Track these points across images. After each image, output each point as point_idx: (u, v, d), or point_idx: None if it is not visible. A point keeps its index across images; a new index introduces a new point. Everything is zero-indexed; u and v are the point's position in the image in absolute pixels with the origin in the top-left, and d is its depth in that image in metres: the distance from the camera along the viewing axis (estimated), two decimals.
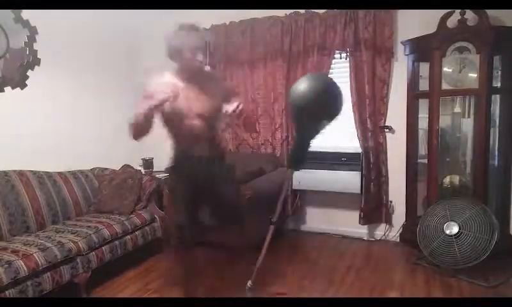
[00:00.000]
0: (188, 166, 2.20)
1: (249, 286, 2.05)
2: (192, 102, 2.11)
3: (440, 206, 3.01)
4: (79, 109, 3.66)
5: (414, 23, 3.38)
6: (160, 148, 3.82)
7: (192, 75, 2.15)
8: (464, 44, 3.02)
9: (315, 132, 1.48)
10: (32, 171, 3.05)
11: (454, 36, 3.06)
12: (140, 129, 2.07)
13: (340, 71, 3.74)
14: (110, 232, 2.90)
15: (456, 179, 3.32)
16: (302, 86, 1.42)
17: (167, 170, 2.36)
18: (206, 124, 2.17)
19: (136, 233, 3.16)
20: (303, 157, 1.62)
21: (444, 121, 3.28)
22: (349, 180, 3.61)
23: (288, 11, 3.79)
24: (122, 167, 3.63)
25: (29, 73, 3.19)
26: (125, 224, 3.07)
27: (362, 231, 3.80)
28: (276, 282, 2.86)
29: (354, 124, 3.64)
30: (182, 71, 2.14)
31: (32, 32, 3.19)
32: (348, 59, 3.61)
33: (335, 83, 1.57)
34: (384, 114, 3.62)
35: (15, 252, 2.33)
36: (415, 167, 3.52)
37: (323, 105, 1.40)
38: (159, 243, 3.44)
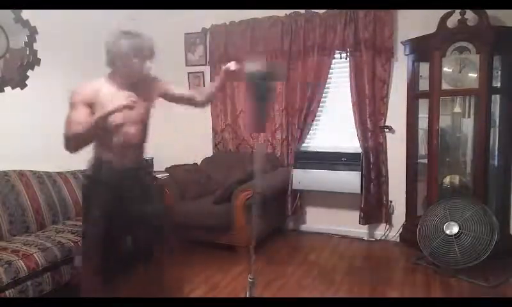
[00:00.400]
0: (113, 176, 2.04)
1: (250, 279, 2.04)
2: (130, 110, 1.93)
3: (440, 206, 3.01)
4: None
5: (414, 23, 3.38)
6: (160, 148, 3.85)
7: (131, 83, 2.00)
8: (464, 44, 3.02)
9: (267, 93, 1.93)
10: (32, 171, 3.05)
11: (454, 36, 3.06)
12: (82, 140, 1.96)
13: (340, 71, 3.74)
14: None
15: (456, 179, 3.33)
16: (254, 67, 1.92)
17: (85, 177, 2.17)
18: (140, 131, 2.07)
19: None
20: (263, 117, 1.99)
21: (444, 121, 3.28)
22: (349, 180, 3.61)
23: (288, 11, 3.79)
24: None
25: (29, 73, 3.19)
26: None
27: (362, 231, 3.80)
28: (276, 282, 2.86)
29: (354, 124, 3.65)
30: (120, 77, 1.99)
31: (32, 32, 3.18)
32: (348, 59, 3.61)
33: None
34: (384, 114, 3.62)
35: (15, 252, 2.33)
36: (415, 167, 3.53)
37: (270, 75, 1.91)
38: None
